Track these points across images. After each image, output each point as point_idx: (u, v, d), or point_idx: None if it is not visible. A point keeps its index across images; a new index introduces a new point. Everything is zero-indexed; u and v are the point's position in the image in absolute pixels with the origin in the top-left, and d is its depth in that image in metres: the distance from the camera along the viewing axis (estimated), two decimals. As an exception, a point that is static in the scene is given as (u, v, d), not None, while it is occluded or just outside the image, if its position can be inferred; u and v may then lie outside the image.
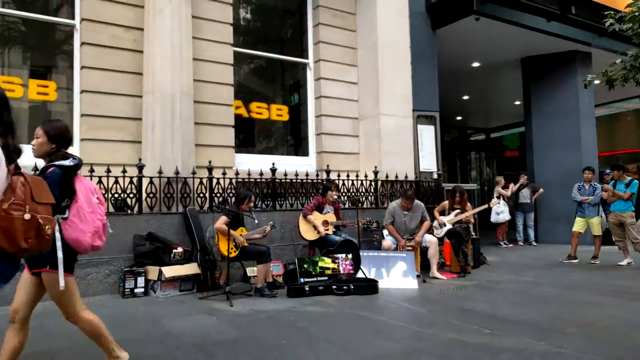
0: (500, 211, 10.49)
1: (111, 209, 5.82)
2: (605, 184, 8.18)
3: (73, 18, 6.53)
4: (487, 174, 18.68)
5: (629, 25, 6.62)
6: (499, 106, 16.51)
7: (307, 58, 8.60)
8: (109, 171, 5.77)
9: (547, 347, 3.41)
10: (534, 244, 10.64)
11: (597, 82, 7.86)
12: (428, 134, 8.89)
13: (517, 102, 14.33)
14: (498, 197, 10.35)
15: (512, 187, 10.75)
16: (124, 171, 5.88)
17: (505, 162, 18.61)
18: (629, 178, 7.55)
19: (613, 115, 24.13)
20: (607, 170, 7.74)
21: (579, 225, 8.08)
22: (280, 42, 8.99)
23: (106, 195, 5.74)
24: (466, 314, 4.46)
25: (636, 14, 6.44)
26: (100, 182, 5.70)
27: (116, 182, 5.83)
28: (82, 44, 6.40)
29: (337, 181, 7.15)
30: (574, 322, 4.13)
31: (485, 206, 8.09)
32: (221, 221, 5.36)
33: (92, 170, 5.66)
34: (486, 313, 4.49)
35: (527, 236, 10.83)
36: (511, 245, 10.59)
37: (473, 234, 7.57)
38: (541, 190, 10.62)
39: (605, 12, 6.85)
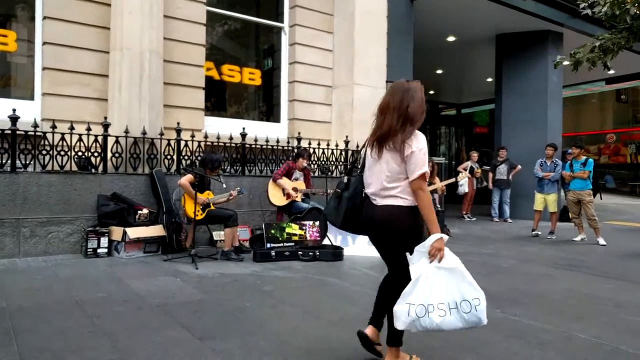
0: (461, 184, 10.62)
1: (74, 168, 5.66)
2: (567, 162, 8.41)
3: (35, -36, 6.16)
4: (455, 148, 19.01)
5: (600, 8, 6.71)
6: (471, 82, 16.67)
7: (282, 22, 8.41)
8: (72, 128, 5.57)
9: (502, 315, 3.56)
10: (509, 220, 10.58)
11: (566, 63, 7.97)
12: (400, 106, 8.89)
13: (489, 79, 14.48)
14: (465, 170, 10.53)
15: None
16: (89, 129, 5.69)
17: (474, 138, 18.95)
18: (584, 157, 7.79)
19: (578, 97, 24.71)
20: (569, 150, 7.95)
21: (538, 203, 8.36)
22: (256, 4, 8.74)
23: (69, 154, 5.57)
24: (427, 283, 4.59)
25: None
26: (62, 139, 5.51)
27: (80, 140, 5.64)
28: (45, -8, 6.07)
29: (308, 149, 7.14)
30: (529, 292, 4.32)
31: (453, 180, 8.23)
32: (186, 178, 5.27)
33: (54, 127, 5.46)
34: (446, 282, 4.63)
35: (503, 212, 10.82)
36: (474, 218, 10.86)
37: (438, 206, 7.72)
38: (519, 167, 10.54)
39: None
